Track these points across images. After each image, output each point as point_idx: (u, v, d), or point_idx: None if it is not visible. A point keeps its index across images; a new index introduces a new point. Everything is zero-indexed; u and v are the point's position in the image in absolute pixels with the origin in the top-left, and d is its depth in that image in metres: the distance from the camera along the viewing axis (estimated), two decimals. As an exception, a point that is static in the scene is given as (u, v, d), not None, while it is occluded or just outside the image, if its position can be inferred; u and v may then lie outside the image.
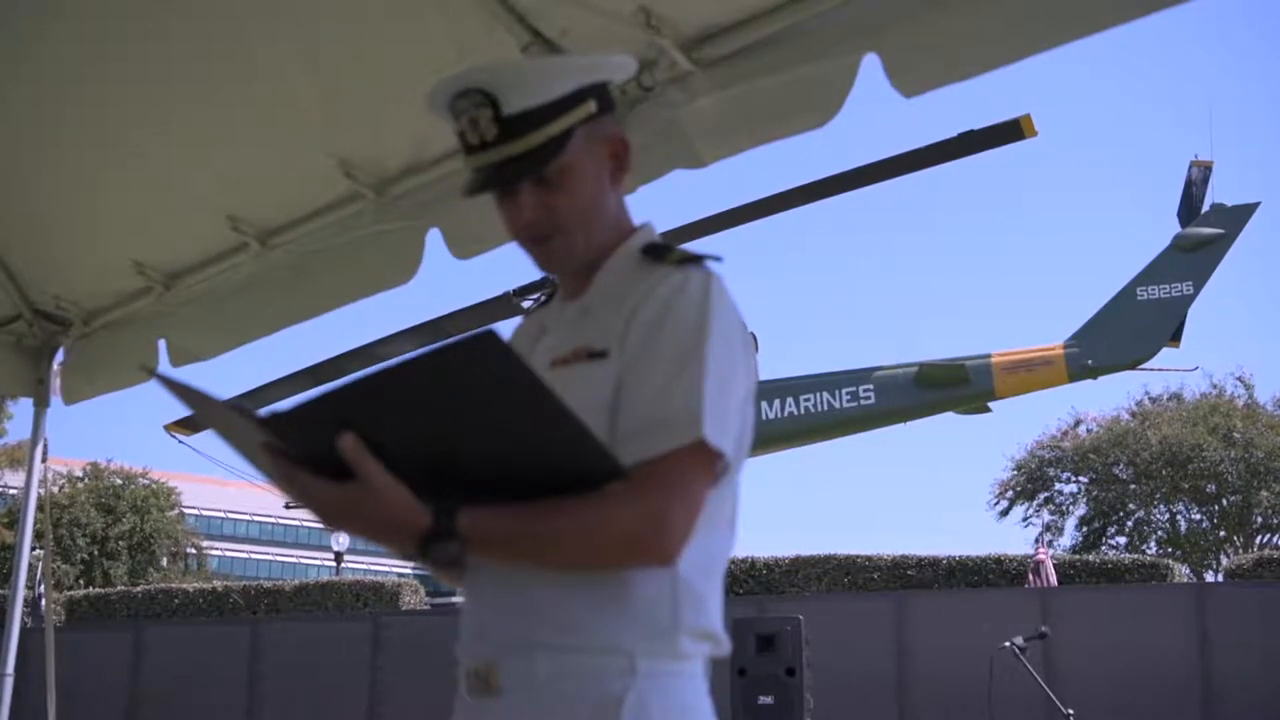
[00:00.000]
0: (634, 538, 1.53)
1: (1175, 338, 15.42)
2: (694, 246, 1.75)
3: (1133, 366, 15.74)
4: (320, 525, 1.58)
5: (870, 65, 2.62)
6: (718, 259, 1.70)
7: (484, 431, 1.45)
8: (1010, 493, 34.75)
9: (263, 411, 1.45)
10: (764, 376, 16.26)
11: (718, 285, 1.65)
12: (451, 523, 1.48)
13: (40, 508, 5.06)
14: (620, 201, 1.81)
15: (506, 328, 1.71)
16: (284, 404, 1.44)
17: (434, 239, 3.57)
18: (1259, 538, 31.41)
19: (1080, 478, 34.14)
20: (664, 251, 1.72)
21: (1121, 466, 32.85)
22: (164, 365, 4.40)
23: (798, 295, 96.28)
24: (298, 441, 1.48)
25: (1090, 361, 15.25)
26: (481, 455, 1.47)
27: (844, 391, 15.96)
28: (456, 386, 1.39)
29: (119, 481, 42.17)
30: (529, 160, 1.67)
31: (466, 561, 1.56)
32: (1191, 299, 15.36)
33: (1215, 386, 32.92)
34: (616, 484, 1.52)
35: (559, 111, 1.67)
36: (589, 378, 1.64)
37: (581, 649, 1.56)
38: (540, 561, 1.57)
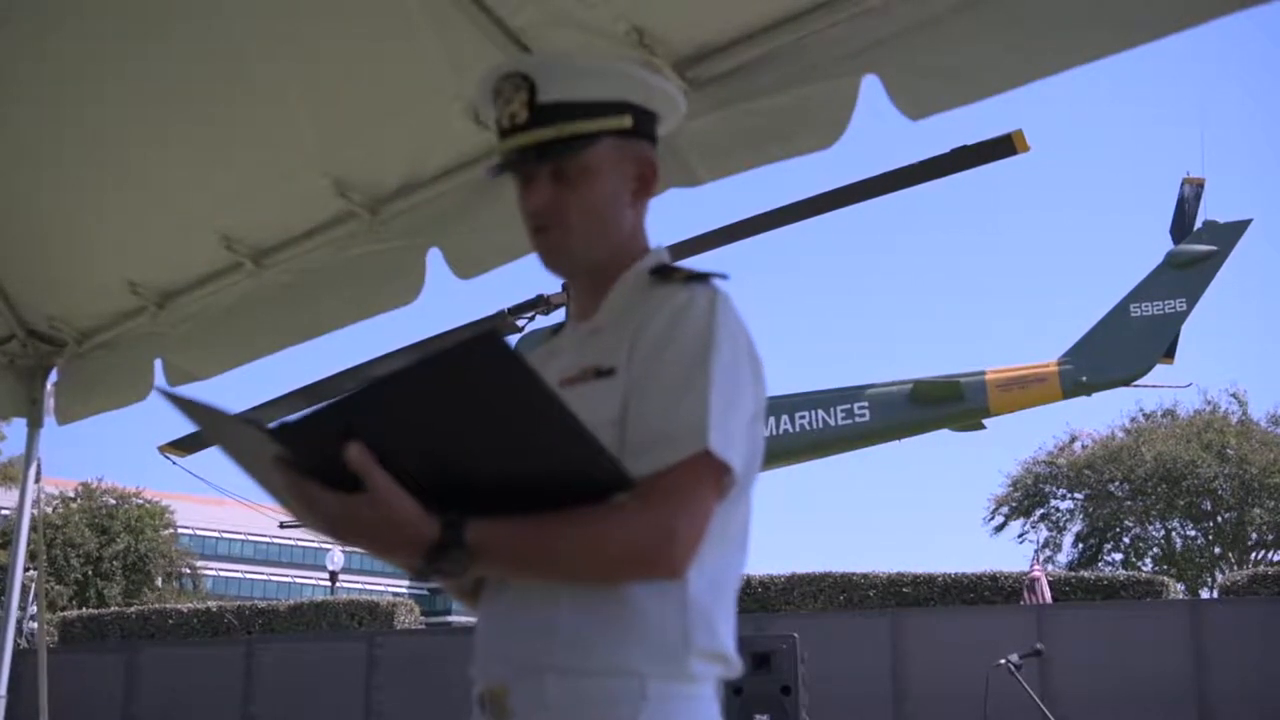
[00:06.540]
0: (641, 550, 1.52)
1: (1169, 354, 15.46)
2: (701, 265, 1.75)
3: (1127, 383, 15.75)
4: (325, 541, 1.57)
5: (875, 87, 2.61)
6: (724, 277, 1.70)
7: (489, 438, 1.43)
8: (1006, 508, 34.78)
9: (272, 423, 1.44)
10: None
11: (724, 302, 1.65)
12: (459, 533, 1.47)
13: (34, 528, 5.04)
14: (638, 223, 1.82)
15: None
16: (292, 415, 1.42)
17: (435, 259, 3.55)
18: (1254, 554, 31.43)
19: (1076, 494, 34.16)
20: (671, 271, 1.73)
21: (1117, 483, 32.88)
22: (161, 385, 4.39)
23: (790, 312, 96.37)
24: (306, 453, 1.47)
25: (1084, 378, 15.27)
26: (488, 464, 1.46)
27: (839, 409, 15.94)
28: (459, 392, 1.37)
29: (112, 501, 42.03)
30: (550, 149, 1.69)
31: (474, 574, 1.55)
32: (1185, 315, 15.40)
33: (1209, 403, 33.05)
34: (623, 496, 1.51)
35: (593, 113, 1.69)
36: (597, 395, 1.64)
37: (592, 672, 1.55)
38: (547, 574, 1.56)
